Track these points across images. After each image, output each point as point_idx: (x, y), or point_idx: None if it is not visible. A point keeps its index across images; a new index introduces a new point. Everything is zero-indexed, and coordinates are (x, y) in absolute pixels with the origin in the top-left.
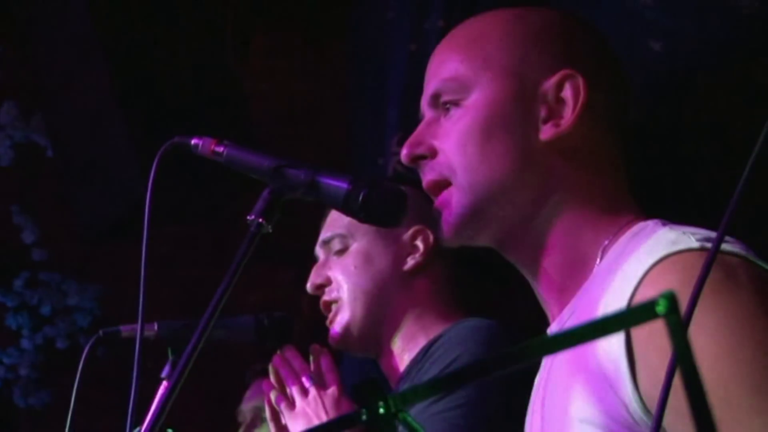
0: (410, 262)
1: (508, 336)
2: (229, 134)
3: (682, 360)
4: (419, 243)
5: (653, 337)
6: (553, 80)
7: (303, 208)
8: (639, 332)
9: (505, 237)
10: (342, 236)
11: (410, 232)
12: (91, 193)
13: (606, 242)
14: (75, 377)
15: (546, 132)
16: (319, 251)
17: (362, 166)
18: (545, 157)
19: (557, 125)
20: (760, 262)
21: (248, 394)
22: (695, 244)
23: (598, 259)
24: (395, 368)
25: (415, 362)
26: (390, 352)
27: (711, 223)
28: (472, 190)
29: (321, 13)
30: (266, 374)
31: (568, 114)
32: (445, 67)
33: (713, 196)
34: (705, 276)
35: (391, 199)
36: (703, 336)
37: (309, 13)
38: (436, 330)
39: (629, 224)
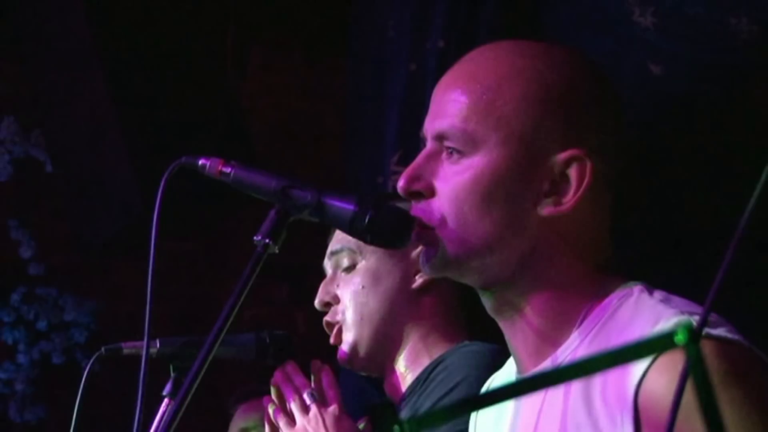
0: (418, 280)
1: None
2: (227, 150)
3: (701, 389)
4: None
5: (661, 411)
6: (562, 157)
7: (299, 225)
8: (649, 408)
9: (486, 286)
10: (351, 251)
11: (418, 249)
12: (89, 208)
13: (588, 305)
14: (71, 392)
15: (545, 209)
16: (327, 264)
17: (360, 185)
18: (539, 230)
19: (558, 203)
20: (753, 348)
21: (233, 420)
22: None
23: (578, 323)
24: (398, 388)
25: (418, 383)
26: (393, 372)
27: (708, 248)
28: (460, 245)
29: (321, 31)
30: (249, 398)
31: (570, 195)
32: (455, 108)
33: (710, 219)
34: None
35: (397, 221)
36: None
37: (308, 30)
38: (439, 350)
39: (612, 288)
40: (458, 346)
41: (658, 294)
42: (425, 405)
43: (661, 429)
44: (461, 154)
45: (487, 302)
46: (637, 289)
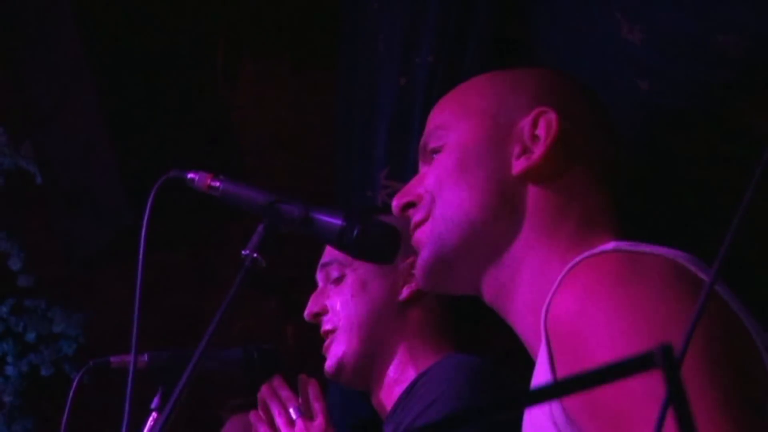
0: (405, 291)
1: (495, 374)
2: (217, 163)
3: (680, 413)
4: (415, 272)
5: (561, 329)
6: (528, 119)
7: (288, 239)
8: (553, 330)
9: (481, 277)
10: (340, 263)
11: (408, 261)
12: (78, 220)
13: None
14: (59, 405)
15: (517, 166)
16: (319, 276)
17: (349, 198)
18: (516, 190)
19: (528, 159)
20: (678, 261)
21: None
22: (609, 247)
23: None
24: (385, 402)
25: (402, 397)
26: (381, 385)
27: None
28: (446, 220)
29: (310, 43)
30: (242, 410)
31: (540, 146)
32: (432, 121)
33: (699, 235)
34: (702, 308)
35: (384, 236)
36: (593, 323)
37: (298, 43)
38: (426, 363)
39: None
40: (443, 359)
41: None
42: (407, 419)
43: (570, 349)
44: (440, 150)
45: (489, 300)
46: (620, 243)
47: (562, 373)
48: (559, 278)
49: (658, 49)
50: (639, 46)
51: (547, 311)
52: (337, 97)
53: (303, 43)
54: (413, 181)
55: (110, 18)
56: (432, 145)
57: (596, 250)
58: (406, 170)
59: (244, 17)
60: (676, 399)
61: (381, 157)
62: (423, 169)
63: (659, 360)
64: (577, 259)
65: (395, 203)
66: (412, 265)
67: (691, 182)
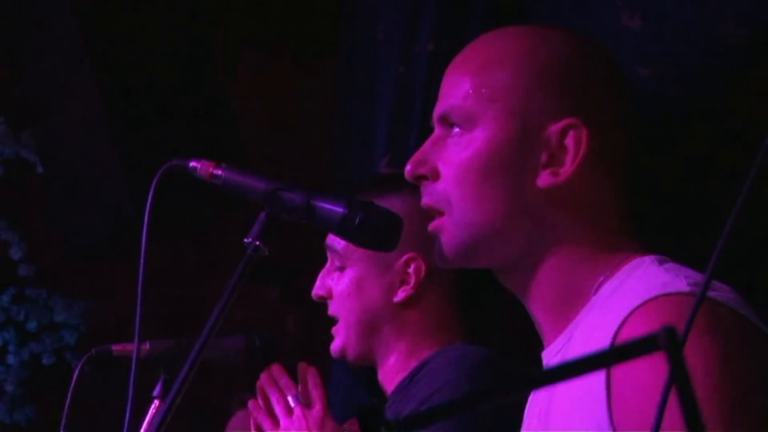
0: (401, 294)
1: (497, 365)
2: (217, 152)
3: (683, 393)
4: (411, 272)
5: (633, 372)
6: (557, 127)
7: (290, 227)
8: (619, 366)
9: (499, 268)
10: (339, 254)
11: (404, 258)
12: (79, 210)
13: (602, 278)
14: (60, 393)
15: (543, 180)
16: (328, 253)
17: (349, 187)
18: (540, 204)
19: (555, 174)
20: (744, 312)
21: (231, 423)
22: (685, 288)
23: (594, 293)
24: (387, 385)
25: (403, 385)
26: (384, 370)
27: (694, 250)
28: (465, 228)
29: (310, 33)
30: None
31: (568, 164)
32: (455, 90)
33: (699, 223)
34: (692, 321)
35: (386, 224)
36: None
37: (298, 33)
38: (427, 352)
39: (627, 260)
40: (445, 349)
41: (670, 265)
42: (408, 407)
43: (629, 379)
44: (462, 132)
45: (504, 283)
46: (648, 259)
47: (620, 401)
48: (629, 308)
49: (658, 36)
50: (639, 33)
51: (616, 336)
52: (337, 85)
53: (303, 32)
54: (429, 147)
55: (110, 8)
56: (454, 122)
57: (670, 288)
58: (407, 158)
59: (244, 6)
60: (678, 380)
61: (381, 145)
62: (438, 129)
63: (663, 342)
64: (651, 293)
65: (409, 168)
66: (408, 264)
67: (692, 168)
